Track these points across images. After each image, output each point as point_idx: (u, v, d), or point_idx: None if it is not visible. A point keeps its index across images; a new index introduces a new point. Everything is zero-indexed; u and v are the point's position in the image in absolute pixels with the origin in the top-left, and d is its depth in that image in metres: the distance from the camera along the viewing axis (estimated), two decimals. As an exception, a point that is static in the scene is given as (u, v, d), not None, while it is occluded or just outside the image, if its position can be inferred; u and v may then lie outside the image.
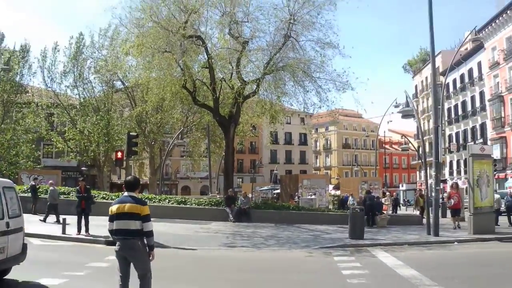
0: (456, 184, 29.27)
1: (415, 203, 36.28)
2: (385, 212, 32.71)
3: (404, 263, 14.02)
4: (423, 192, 27.82)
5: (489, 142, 55.01)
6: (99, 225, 17.02)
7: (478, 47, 61.64)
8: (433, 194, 22.94)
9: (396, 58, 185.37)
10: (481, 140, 60.21)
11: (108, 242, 15.67)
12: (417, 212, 34.89)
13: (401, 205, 42.24)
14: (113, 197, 28.19)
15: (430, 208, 23.22)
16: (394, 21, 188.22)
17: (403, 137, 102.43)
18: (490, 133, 59.95)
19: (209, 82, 28.38)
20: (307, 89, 28.74)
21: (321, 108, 29.68)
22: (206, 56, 28.01)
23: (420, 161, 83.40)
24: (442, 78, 73.92)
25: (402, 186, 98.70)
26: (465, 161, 67.39)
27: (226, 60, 27.72)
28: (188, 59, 26.57)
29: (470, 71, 66.72)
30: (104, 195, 29.12)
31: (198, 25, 28.15)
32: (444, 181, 66.19)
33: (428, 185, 28.42)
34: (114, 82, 44.44)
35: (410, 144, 61.16)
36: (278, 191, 48.80)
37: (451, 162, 73.09)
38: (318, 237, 21.51)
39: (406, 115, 27.69)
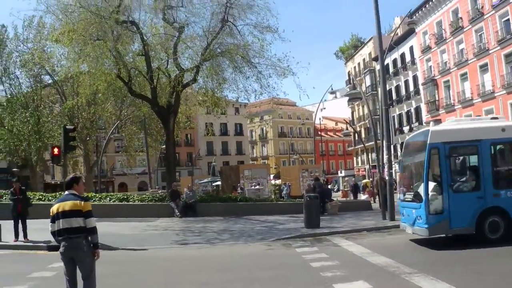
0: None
1: (373, 188, 35.78)
2: (344, 198, 32.15)
3: (372, 251, 13.32)
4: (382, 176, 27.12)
5: (424, 125, 55.66)
6: (38, 229, 15.35)
7: (410, 32, 62.47)
8: (386, 177, 22.44)
9: (327, 45, 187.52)
10: (416, 124, 61.23)
11: (50, 248, 14.16)
12: (365, 197, 34.64)
13: (360, 191, 41.98)
14: (50, 197, 26.35)
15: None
16: (323, 9, 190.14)
17: (338, 123, 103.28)
18: (425, 116, 60.79)
19: (145, 71, 26.76)
20: (247, 75, 27.51)
21: (262, 95, 28.37)
22: (141, 43, 26.43)
23: (357, 146, 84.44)
24: (374, 64, 74.85)
25: (341, 172, 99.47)
26: (401, 145, 68.52)
27: (162, 47, 26.34)
28: (122, 47, 25.12)
29: (403, 56, 67.42)
30: (41, 196, 26.94)
31: (130, 10, 26.55)
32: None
33: (369, 170, 27.83)
34: (42, 76, 41.88)
35: (350, 129, 61.38)
36: (218, 183, 47.86)
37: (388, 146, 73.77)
38: (272, 228, 20.60)
39: (353, 98, 27.38)
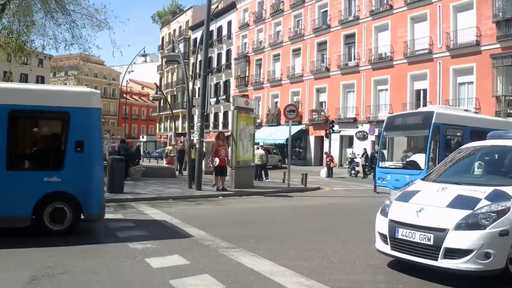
0: (223, 134, 23.19)
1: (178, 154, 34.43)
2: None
3: (182, 221, 12.46)
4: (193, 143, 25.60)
5: (231, 99, 56.55)
6: None
7: (231, 7, 62.92)
8: (197, 146, 21.62)
9: (146, 7, 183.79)
10: (224, 97, 62.10)
11: None
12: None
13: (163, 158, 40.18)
14: None
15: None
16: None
17: (145, 87, 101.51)
18: (233, 91, 61.86)
19: None
20: (59, 22, 24.73)
21: (73, 46, 25.80)
22: None
23: (162, 113, 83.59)
24: (191, 33, 74.31)
25: (143, 137, 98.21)
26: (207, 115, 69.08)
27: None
28: None
29: (220, 29, 67.87)
30: None
31: None
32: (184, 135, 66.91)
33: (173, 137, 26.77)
34: None
35: (160, 94, 60.48)
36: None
37: (192, 116, 73.95)
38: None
39: (170, 60, 26.38)
